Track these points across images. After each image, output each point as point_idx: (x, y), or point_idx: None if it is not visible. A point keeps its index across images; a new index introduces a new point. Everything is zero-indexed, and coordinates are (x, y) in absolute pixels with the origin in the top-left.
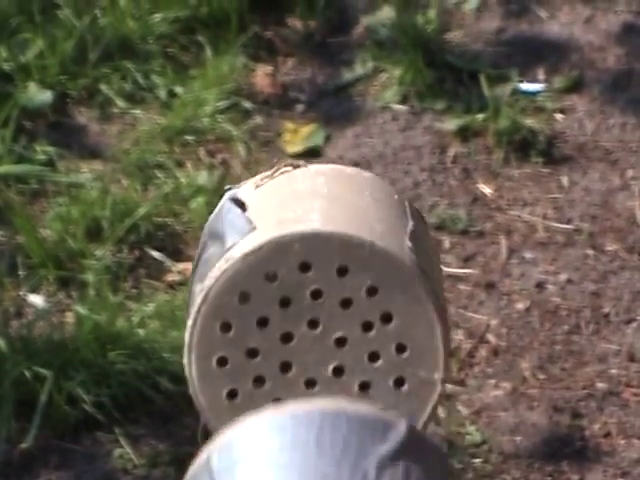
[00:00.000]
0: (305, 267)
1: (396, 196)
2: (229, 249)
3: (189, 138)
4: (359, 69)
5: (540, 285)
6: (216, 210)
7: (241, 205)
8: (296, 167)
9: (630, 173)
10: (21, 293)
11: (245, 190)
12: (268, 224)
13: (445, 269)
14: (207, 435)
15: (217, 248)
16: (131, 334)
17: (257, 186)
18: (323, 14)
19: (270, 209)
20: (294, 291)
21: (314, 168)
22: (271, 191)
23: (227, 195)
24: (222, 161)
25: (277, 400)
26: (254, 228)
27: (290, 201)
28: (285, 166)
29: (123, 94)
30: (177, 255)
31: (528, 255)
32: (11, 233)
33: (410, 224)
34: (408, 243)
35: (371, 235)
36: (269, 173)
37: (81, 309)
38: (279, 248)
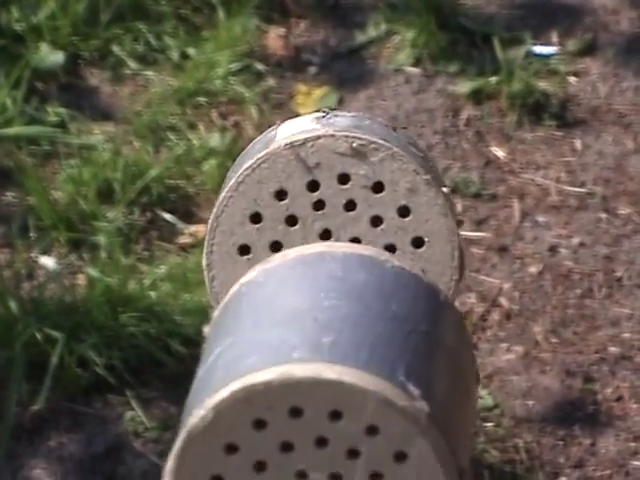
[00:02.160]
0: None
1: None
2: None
3: (201, 100)
4: (372, 31)
5: (553, 249)
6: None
7: None
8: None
9: None
10: (32, 255)
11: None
12: None
13: None
14: None
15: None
16: (143, 297)
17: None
18: None
19: None
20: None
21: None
22: None
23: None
24: (234, 123)
25: None
26: None
27: None
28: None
29: (135, 55)
30: (189, 217)
31: (541, 219)
32: (22, 195)
33: None
34: None
35: None
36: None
37: (92, 271)
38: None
